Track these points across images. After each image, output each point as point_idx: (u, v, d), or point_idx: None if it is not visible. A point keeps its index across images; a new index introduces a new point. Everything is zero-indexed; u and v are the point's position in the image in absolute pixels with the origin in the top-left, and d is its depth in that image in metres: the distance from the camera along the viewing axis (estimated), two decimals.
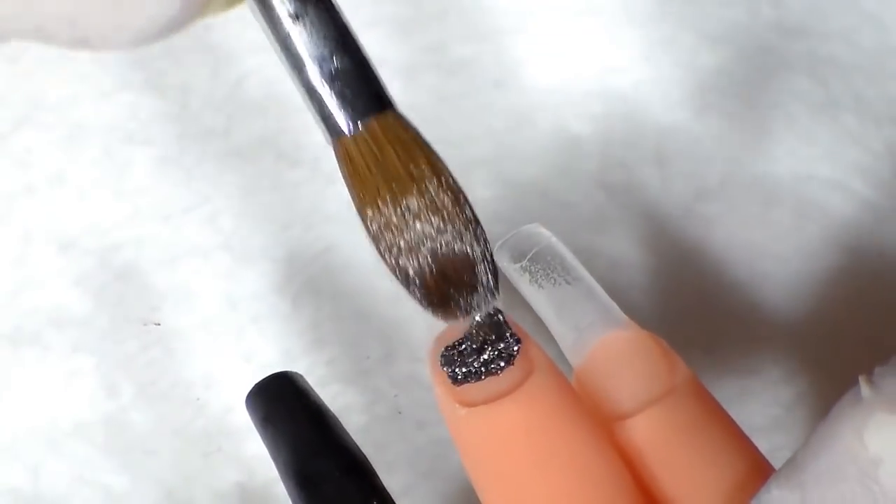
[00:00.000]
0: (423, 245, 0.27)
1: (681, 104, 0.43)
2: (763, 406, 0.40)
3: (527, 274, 0.33)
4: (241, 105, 0.44)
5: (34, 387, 0.40)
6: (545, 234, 0.33)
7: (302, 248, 0.42)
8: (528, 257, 0.33)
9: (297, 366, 0.41)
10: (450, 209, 0.28)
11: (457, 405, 0.29)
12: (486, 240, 0.28)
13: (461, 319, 0.28)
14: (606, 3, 0.44)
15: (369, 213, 0.27)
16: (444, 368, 0.29)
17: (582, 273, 0.33)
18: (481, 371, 0.29)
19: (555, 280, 0.32)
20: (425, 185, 0.28)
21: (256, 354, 0.41)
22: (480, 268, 0.28)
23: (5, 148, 0.42)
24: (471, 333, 0.29)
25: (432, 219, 0.27)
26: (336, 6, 0.28)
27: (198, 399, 0.40)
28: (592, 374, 0.31)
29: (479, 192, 0.43)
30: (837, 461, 0.24)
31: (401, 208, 0.27)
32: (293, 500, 0.31)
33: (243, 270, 0.42)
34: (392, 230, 0.27)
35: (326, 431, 0.32)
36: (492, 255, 0.28)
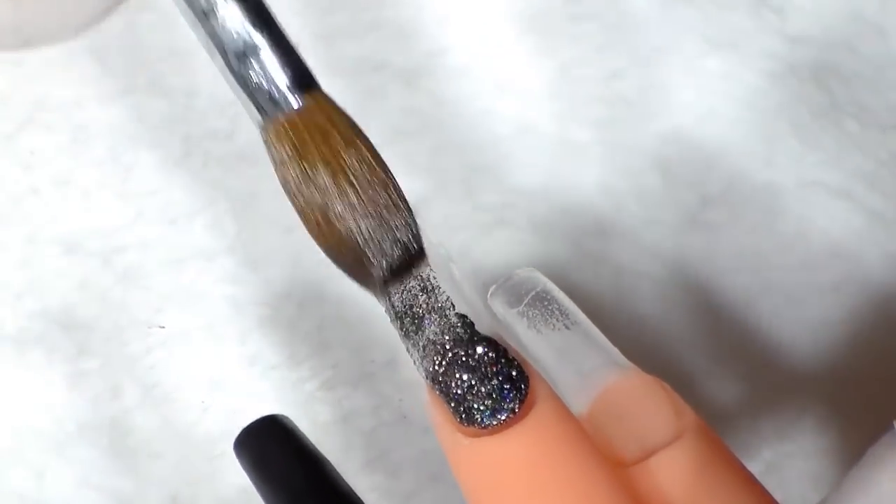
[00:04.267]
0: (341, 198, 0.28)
1: (684, 110, 0.43)
2: (768, 419, 0.40)
3: (524, 319, 0.33)
4: None
5: (39, 389, 0.40)
6: (541, 279, 0.33)
7: (307, 252, 0.42)
8: (525, 302, 0.33)
9: (301, 369, 0.41)
10: (368, 168, 0.28)
11: (459, 435, 0.28)
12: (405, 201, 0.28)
13: (378, 273, 0.28)
14: (609, 7, 0.44)
15: (290, 175, 0.28)
16: (452, 408, 0.28)
17: (580, 317, 0.33)
18: (488, 404, 0.28)
19: (553, 325, 0.32)
20: (351, 150, 0.28)
21: (261, 358, 0.41)
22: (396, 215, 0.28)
23: (10, 149, 0.42)
24: (469, 365, 0.28)
25: (350, 176, 0.28)
26: None
27: (202, 402, 0.40)
28: (600, 421, 0.31)
29: (482, 198, 0.43)
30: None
31: (322, 168, 0.28)
32: None
33: (248, 274, 0.42)
34: (311, 187, 0.28)
35: (320, 474, 0.31)
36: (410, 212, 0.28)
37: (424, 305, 0.28)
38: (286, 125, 0.28)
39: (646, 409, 0.31)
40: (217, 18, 0.27)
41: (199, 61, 0.44)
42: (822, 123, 0.43)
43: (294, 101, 0.28)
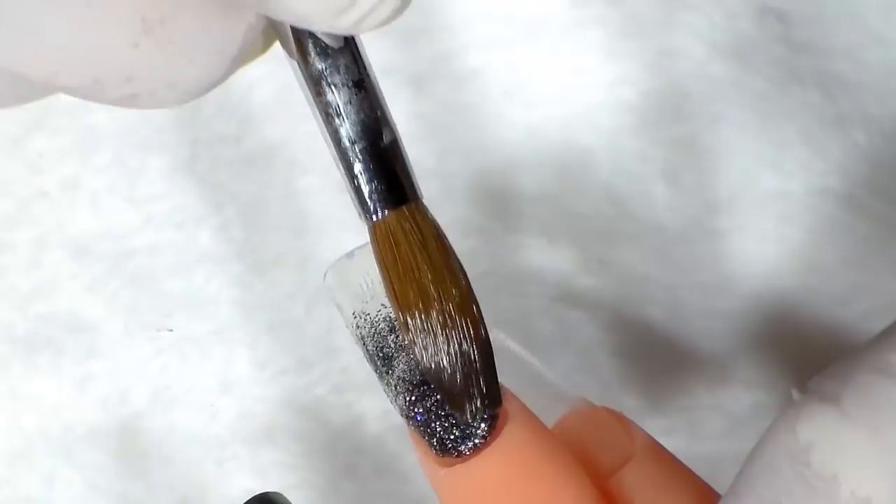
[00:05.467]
0: (453, 343, 0.28)
1: (691, 116, 0.43)
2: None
3: None
4: (253, 111, 0.44)
5: (47, 392, 0.40)
6: (492, 332, 0.34)
7: (315, 255, 0.42)
8: None
9: (311, 374, 0.41)
10: (476, 312, 0.28)
11: (436, 466, 0.29)
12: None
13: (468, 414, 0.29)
14: (615, 13, 0.44)
15: (411, 303, 0.28)
16: (427, 440, 0.29)
17: (530, 360, 0.33)
18: (461, 438, 0.29)
19: (504, 370, 0.33)
20: (460, 282, 0.28)
21: (271, 362, 0.41)
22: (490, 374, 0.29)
23: (18, 152, 0.42)
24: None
25: (464, 320, 0.28)
26: (379, 87, 0.28)
27: (212, 405, 0.40)
28: None
29: (489, 203, 0.43)
30: (770, 458, 0.25)
31: (441, 305, 0.28)
32: None
33: (256, 278, 0.42)
34: (431, 326, 0.28)
35: None
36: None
37: (393, 345, 0.29)
38: (399, 222, 0.28)
39: (595, 438, 0.31)
40: (346, 118, 0.27)
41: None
42: (828, 131, 0.43)
43: (403, 207, 0.28)
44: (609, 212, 0.43)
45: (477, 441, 0.28)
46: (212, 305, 0.41)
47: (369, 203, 0.28)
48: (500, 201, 0.43)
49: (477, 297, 0.28)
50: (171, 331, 0.41)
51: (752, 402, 0.41)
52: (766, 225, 0.42)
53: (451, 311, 0.28)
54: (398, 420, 0.40)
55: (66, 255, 0.42)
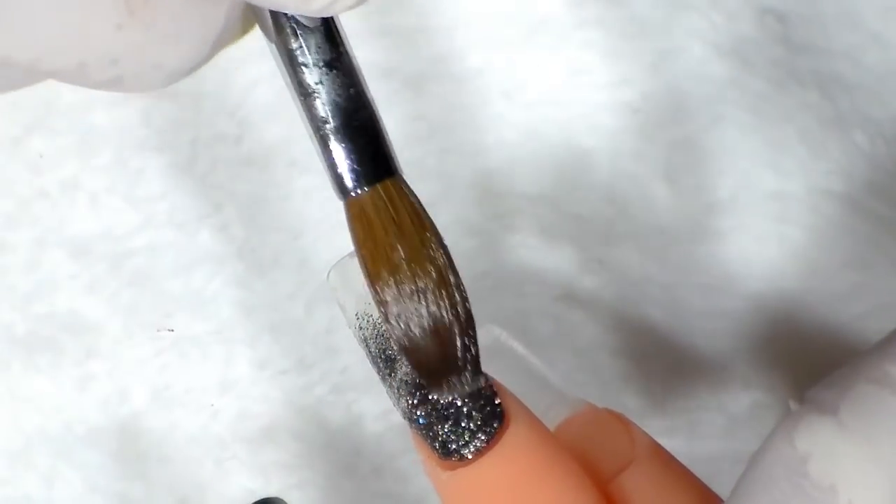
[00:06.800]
0: (426, 316, 0.28)
1: (691, 116, 0.44)
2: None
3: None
4: (253, 111, 0.44)
5: (47, 392, 0.40)
6: (495, 331, 0.34)
7: (314, 256, 0.42)
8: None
9: (311, 374, 0.41)
10: (453, 285, 0.28)
11: (439, 469, 0.29)
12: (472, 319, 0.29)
13: (446, 390, 0.29)
14: (615, 14, 0.45)
15: (382, 279, 0.28)
16: (429, 443, 0.29)
17: (533, 362, 0.33)
18: (464, 441, 0.29)
19: (505, 369, 0.33)
20: (435, 257, 0.28)
21: (270, 362, 0.41)
22: (469, 346, 0.28)
23: (18, 153, 0.42)
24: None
25: (440, 293, 0.28)
26: (357, 65, 0.28)
27: (212, 405, 0.40)
28: None
29: (490, 203, 0.43)
30: (768, 469, 0.25)
31: (414, 279, 0.28)
32: None
33: (256, 278, 0.42)
34: (403, 299, 0.28)
35: None
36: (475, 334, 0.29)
37: (396, 347, 0.29)
38: (373, 201, 0.28)
39: (598, 441, 0.32)
40: (323, 85, 0.28)
41: (206, 65, 0.44)
42: (828, 132, 0.43)
43: (381, 181, 0.28)
44: (609, 212, 0.43)
45: (479, 444, 0.28)
46: (212, 305, 0.41)
47: (341, 182, 0.28)
48: (499, 202, 0.43)
49: (464, 284, 0.28)
50: (172, 331, 0.41)
51: (752, 403, 0.41)
52: (766, 225, 0.42)
53: (424, 287, 0.28)
54: (398, 420, 0.40)
55: (65, 255, 0.42)
